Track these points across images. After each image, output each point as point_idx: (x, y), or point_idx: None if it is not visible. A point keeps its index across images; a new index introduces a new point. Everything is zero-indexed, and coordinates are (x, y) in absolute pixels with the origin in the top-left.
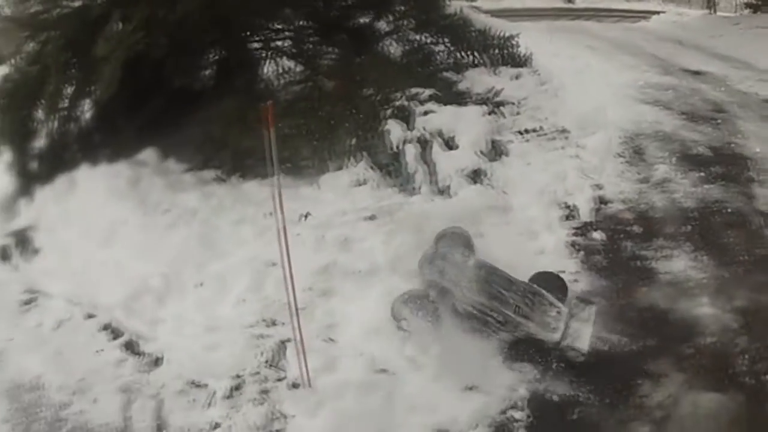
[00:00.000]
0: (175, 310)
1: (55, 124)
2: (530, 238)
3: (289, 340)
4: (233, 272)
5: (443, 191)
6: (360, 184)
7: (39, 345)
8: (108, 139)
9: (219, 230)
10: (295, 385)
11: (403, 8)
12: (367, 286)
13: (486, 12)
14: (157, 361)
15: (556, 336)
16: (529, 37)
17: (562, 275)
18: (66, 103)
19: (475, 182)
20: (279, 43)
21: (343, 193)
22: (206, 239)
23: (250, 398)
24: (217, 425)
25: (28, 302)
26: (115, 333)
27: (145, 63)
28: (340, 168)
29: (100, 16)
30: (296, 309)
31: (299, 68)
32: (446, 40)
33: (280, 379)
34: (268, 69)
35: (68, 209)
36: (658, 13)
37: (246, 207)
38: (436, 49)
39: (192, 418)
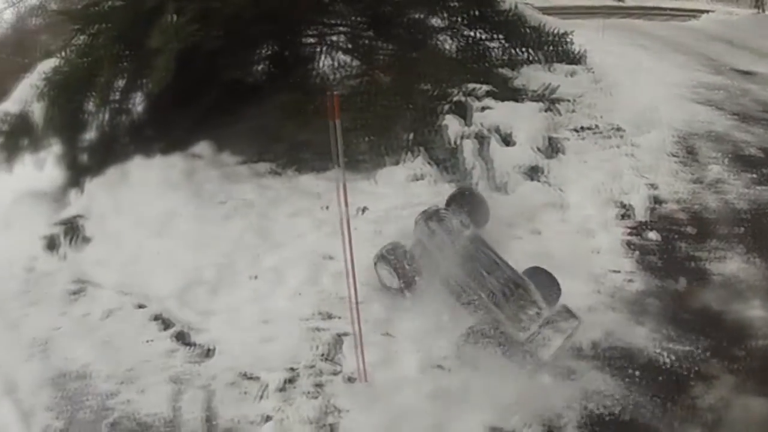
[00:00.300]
0: (229, 302)
1: (106, 116)
2: (586, 236)
3: (345, 334)
4: (289, 265)
5: (500, 188)
6: (417, 179)
7: (87, 334)
8: (161, 132)
9: (275, 222)
10: (350, 380)
11: (457, 4)
12: None
13: (538, 9)
14: (208, 353)
15: (523, 335)
16: (581, 35)
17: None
18: (117, 96)
19: (532, 179)
20: (334, 37)
21: (400, 188)
22: (262, 231)
23: (304, 391)
24: (268, 418)
25: (76, 292)
26: (166, 323)
27: (198, 56)
28: (397, 163)
29: (153, 8)
30: (356, 303)
31: (355, 63)
32: (500, 36)
33: (335, 373)
34: (323, 63)
35: (120, 200)
36: (707, 12)
37: (302, 200)
38: (491, 45)
39: (243, 410)
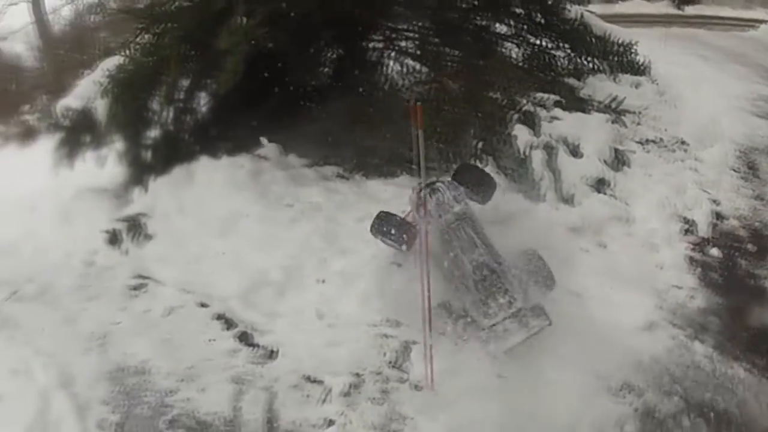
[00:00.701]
0: (295, 305)
1: (170, 115)
2: (651, 251)
3: (414, 342)
4: (356, 270)
5: (568, 199)
6: None
7: (147, 330)
8: (226, 132)
9: (342, 227)
10: (417, 387)
11: (521, 11)
12: None
13: (600, 16)
14: (271, 354)
15: (486, 322)
16: (644, 44)
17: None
18: (181, 95)
19: (599, 192)
20: (402, 43)
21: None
22: (329, 235)
23: (369, 397)
24: (331, 422)
25: (136, 287)
26: (229, 323)
27: (264, 58)
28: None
29: (221, 9)
30: (429, 311)
31: (424, 70)
32: (566, 45)
33: (402, 381)
34: (392, 69)
35: (185, 199)
36: (766, 22)
37: (370, 205)
38: (557, 54)
39: (305, 413)
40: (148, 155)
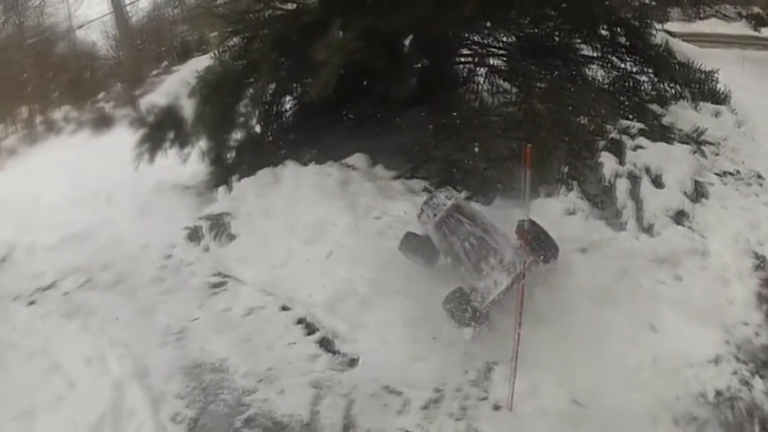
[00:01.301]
0: (379, 317)
1: (257, 118)
2: (723, 285)
3: (495, 363)
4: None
5: (648, 229)
6: (570, 214)
7: (226, 329)
8: (313, 139)
9: None
10: (496, 407)
11: (607, 33)
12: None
13: (677, 35)
14: (352, 362)
15: (481, 284)
16: (722, 68)
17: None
18: (268, 98)
19: (678, 224)
20: (492, 61)
21: (553, 220)
22: None
23: (449, 413)
24: None
25: (216, 285)
26: (311, 328)
27: (354, 69)
28: (550, 195)
29: (315, 20)
30: (519, 333)
31: (513, 90)
32: (650, 70)
33: (481, 399)
34: (482, 87)
35: (271, 203)
36: None
37: None
38: (641, 79)
39: (382, 423)
40: (232, 156)
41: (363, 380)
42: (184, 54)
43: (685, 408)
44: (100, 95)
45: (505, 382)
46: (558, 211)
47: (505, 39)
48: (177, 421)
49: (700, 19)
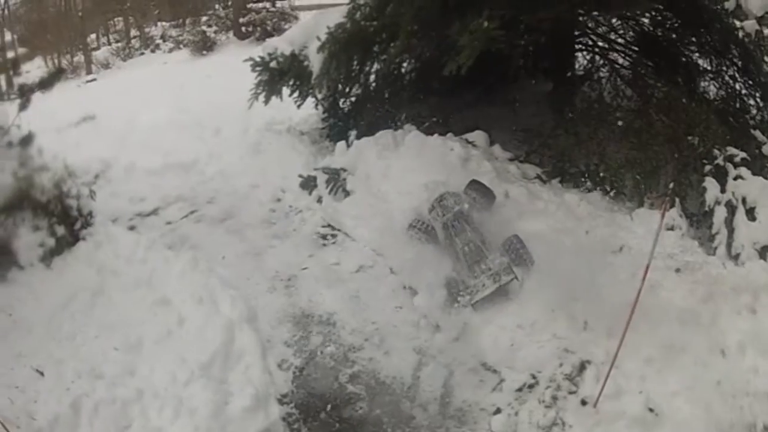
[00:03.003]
0: (488, 299)
1: (382, 80)
2: None
3: (589, 362)
4: (546, 280)
5: (735, 258)
6: (669, 229)
7: (335, 283)
8: (432, 108)
9: (537, 236)
10: (583, 402)
11: (724, 49)
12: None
13: None
14: (455, 336)
15: (472, 282)
16: None
17: None
18: (393, 62)
19: (761, 258)
20: (615, 63)
21: (653, 231)
22: (526, 239)
23: (540, 399)
24: (498, 410)
25: (327, 237)
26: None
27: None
28: (653, 207)
29: (461, 3)
30: (623, 337)
31: (634, 96)
32: (758, 94)
33: (571, 392)
34: (604, 87)
35: (390, 165)
36: None
37: (567, 218)
38: (749, 102)
39: (477, 396)
40: (353, 113)
41: (464, 354)
42: None
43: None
44: (203, 18)
45: (594, 381)
46: (657, 225)
47: (624, 38)
48: (283, 368)
49: None
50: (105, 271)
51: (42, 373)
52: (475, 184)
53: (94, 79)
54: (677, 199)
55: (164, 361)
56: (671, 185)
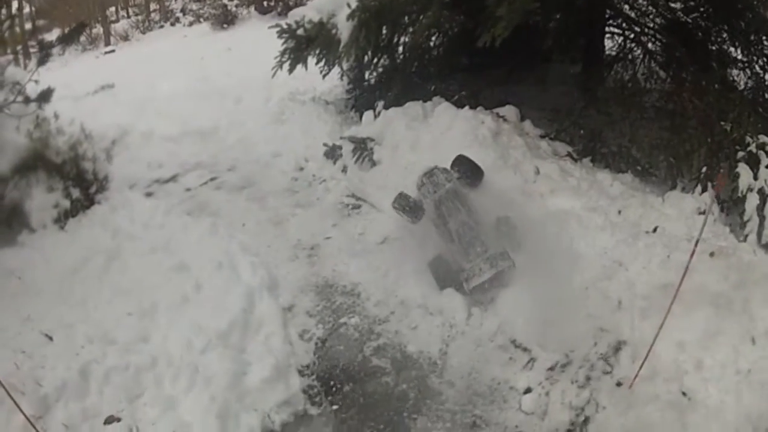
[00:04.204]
0: (521, 275)
1: (410, 51)
2: None
3: (625, 343)
4: (581, 260)
5: (765, 247)
6: (700, 213)
7: (360, 253)
8: (461, 81)
9: (569, 214)
10: (618, 384)
11: (754, 38)
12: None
13: None
14: (485, 311)
15: (467, 265)
16: None
17: None
18: (423, 33)
19: None
20: (650, 45)
21: (685, 216)
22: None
23: (573, 379)
24: (528, 390)
25: (351, 207)
26: None
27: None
28: (685, 190)
29: None
30: (665, 319)
31: (667, 78)
32: None
33: (606, 373)
34: (638, 68)
35: (419, 136)
36: None
37: (599, 197)
38: None
39: (506, 374)
40: (379, 85)
41: (493, 330)
42: None
43: (765, 426)
44: None
45: (629, 362)
46: (690, 208)
47: (655, 23)
48: (305, 339)
49: None
50: (120, 236)
51: (51, 338)
52: (462, 159)
53: (113, 51)
54: (709, 184)
55: (180, 327)
56: (704, 170)
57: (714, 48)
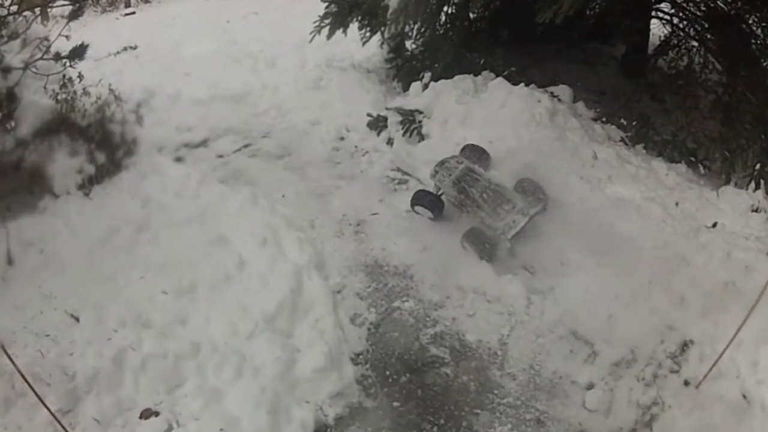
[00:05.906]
0: (583, 262)
1: (461, 23)
2: None
3: (692, 342)
4: (639, 252)
5: None
6: (754, 210)
7: (410, 233)
8: (506, 56)
9: (627, 201)
10: (686, 383)
11: None
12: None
13: None
14: (546, 301)
15: (500, 224)
16: None
17: None
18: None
19: None
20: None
21: (739, 213)
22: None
23: (639, 376)
24: (591, 385)
25: (396, 181)
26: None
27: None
28: (738, 186)
29: None
30: (745, 320)
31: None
32: None
33: (673, 371)
34: (694, 58)
35: (471, 111)
36: None
37: (657, 187)
38: None
39: (567, 367)
40: (424, 53)
41: (554, 321)
42: None
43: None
44: None
45: (698, 361)
46: (744, 205)
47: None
48: (357, 323)
49: None
50: (151, 205)
51: (77, 319)
52: (471, 147)
53: (133, 13)
54: (762, 182)
55: (222, 309)
56: (757, 166)
57: (758, 42)
